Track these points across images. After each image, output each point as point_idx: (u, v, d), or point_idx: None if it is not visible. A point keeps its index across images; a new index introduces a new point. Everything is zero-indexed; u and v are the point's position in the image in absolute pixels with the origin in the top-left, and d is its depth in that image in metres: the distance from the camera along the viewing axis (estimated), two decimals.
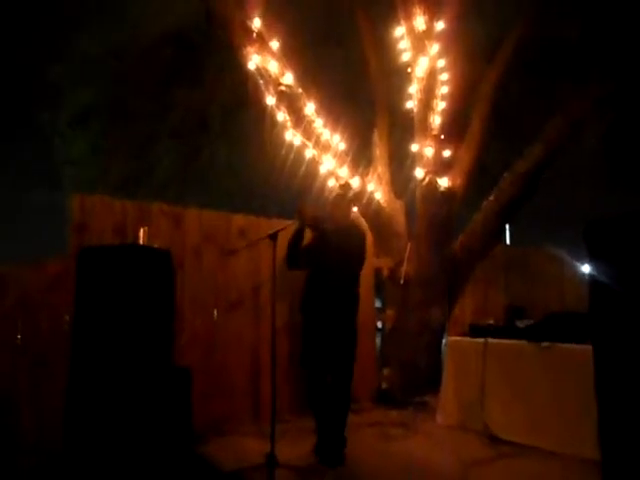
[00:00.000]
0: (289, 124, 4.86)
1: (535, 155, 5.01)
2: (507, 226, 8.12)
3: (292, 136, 4.90)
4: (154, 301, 3.08)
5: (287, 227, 3.64)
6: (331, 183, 5.06)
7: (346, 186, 4.96)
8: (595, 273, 2.38)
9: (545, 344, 3.82)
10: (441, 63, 5.01)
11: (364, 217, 5.22)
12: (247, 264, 4.51)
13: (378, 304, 5.60)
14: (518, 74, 5.71)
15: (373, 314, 5.33)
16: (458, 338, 4.50)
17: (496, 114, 5.37)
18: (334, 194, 4.03)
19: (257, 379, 4.46)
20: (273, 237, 3.48)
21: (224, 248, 4.34)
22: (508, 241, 8.68)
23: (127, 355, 2.92)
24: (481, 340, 4.20)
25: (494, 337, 4.17)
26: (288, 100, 4.80)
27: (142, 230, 3.35)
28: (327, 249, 3.59)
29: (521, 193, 5.07)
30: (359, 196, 5.09)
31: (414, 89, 5.07)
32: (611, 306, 2.34)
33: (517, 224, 7.66)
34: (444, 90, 5.05)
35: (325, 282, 3.57)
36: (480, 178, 5.52)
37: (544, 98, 6.27)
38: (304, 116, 4.85)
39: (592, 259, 2.40)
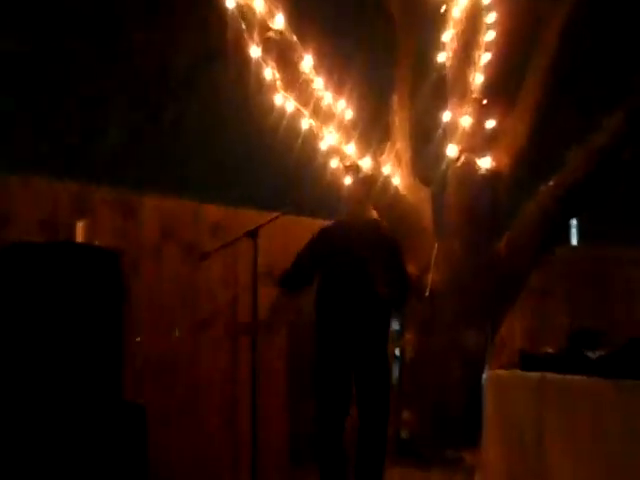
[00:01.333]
0: (279, 84, 4.92)
1: (615, 126, 5.06)
2: (574, 221, 8.21)
3: (283, 100, 4.96)
4: (96, 316, 3.13)
5: (272, 220, 3.75)
6: (334, 164, 5.15)
7: (353, 168, 5.06)
8: None
9: (628, 382, 3.79)
10: (487, 0, 5.06)
11: (377, 209, 5.32)
12: (222, 269, 4.65)
13: (394, 325, 5.70)
14: (594, 16, 5.73)
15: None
16: (504, 372, 4.58)
17: (562, 73, 5.45)
18: (352, 178, 4.15)
19: (234, 420, 4.59)
20: (252, 234, 3.60)
21: (194, 249, 4.48)
22: (575, 240, 8.77)
23: (57, 388, 2.93)
24: (536, 375, 4.18)
25: (554, 371, 4.12)
26: (278, 51, 4.86)
27: (80, 223, 3.44)
28: (344, 245, 3.71)
29: (594, 176, 5.14)
30: (371, 181, 5.07)
31: (448, 36, 5.16)
32: None
33: (589, 218, 7.73)
34: (489, 37, 5.11)
35: (343, 285, 3.71)
36: (536, 157, 5.62)
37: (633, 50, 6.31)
38: (299, 74, 4.91)
39: None
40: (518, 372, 4.32)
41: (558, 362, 4.21)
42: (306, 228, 4.35)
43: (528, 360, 4.39)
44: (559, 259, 6.10)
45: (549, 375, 4.10)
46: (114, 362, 3.25)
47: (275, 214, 3.85)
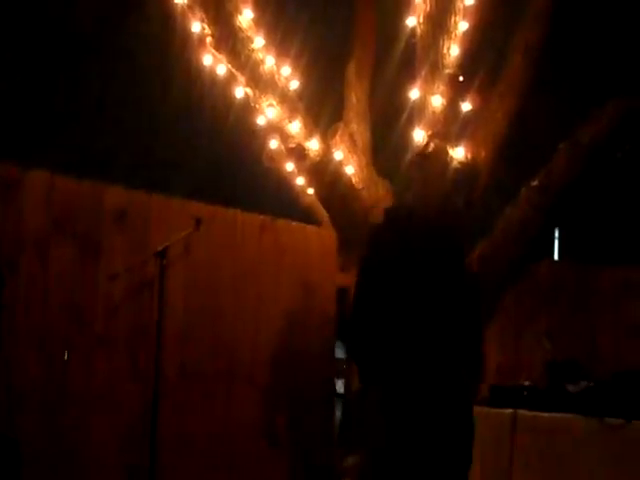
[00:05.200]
0: (209, 40, 4.87)
1: (607, 119, 5.11)
2: (556, 230, 8.31)
3: (213, 61, 4.91)
4: None
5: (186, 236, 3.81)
6: (273, 145, 5.11)
7: (298, 151, 4.97)
8: None
9: (613, 421, 3.88)
10: None
11: (325, 204, 5.24)
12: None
13: (338, 353, 5.61)
14: None
15: (331, 368, 5.35)
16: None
17: (553, 48, 5.48)
18: (416, 152, 3.76)
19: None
20: (161, 255, 3.70)
21: (91, 243, 4.37)
22: (556, 255, 8.88)
23: None
24: (508, 411, 4.28)
25: (529, 407, 4.24)
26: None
27: None
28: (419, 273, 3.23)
29: (582, 177, 5.18)
30: (318, 168, 5.12)
31: None
32: None
33: (574, 227, 7.83)
34: (468, 1, 5.08)
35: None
36: (521, 149, 5.63)
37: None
38: (234, 29, 4.85)
39: None
40: (487, 409, 4.35)
41: (533, 397, 4.26)
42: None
43: (499, 394, 4.40)
44: (540, 277, 6.17)
45: (522, 412, 4.18)
46: None
47: (193, 218, 3.92)
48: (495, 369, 6.08)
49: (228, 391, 4.77)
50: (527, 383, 4.52)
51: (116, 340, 4.46)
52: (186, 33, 4.86)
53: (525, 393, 4.38)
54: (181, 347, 4.54)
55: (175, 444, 4.45)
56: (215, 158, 6.02)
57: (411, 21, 5.17)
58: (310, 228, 5.37)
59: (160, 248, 3.88)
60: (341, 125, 5.38)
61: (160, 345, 3.74)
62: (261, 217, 4.99)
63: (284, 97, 5.03)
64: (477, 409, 4.39)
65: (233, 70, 4.91)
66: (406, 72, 5.29)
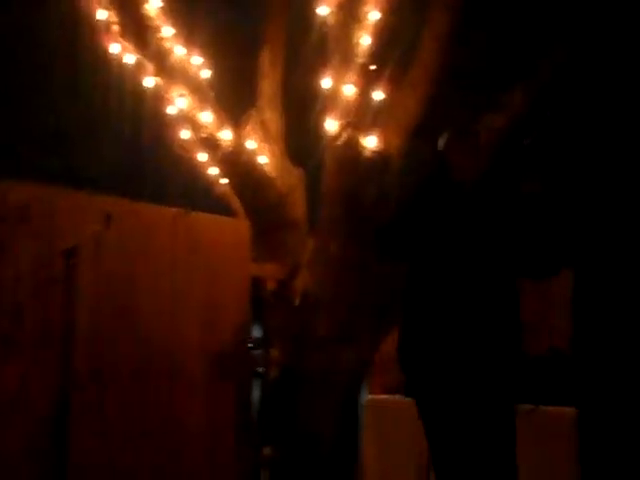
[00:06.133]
0: (116, 29, 4.81)
1: (517, 105, 5.25)
2: None
3: (120, 50, 4.84)
4: None
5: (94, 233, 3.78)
6: (185, 135, 5.05)
7: (210, 140, 4.93)
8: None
9: (526, 407, 3.93)
10: None
11: (238, 194, 5.21)
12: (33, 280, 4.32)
13: (256, 332, 5.64)
14: None
15: (246, 352, 5.33)
16: (384, 397, 4.65)
17: (464, 37, 5.53)
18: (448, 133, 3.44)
19: None
20: (69, 253, 3.73)
21: None
22: None
23: None
24: None
25: None
26: None
27: None
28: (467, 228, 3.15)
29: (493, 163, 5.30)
30: (231, 158, 5.11)
31: None
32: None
33: None
34: None
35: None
36: (434, 138, 5.67)
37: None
38: (142, 16, 4.81)
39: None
40: (399, 397, 4.40)
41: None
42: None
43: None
44: None
45: None
46: None
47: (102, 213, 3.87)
48: None
49: (144, 389, 4.68)
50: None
51: (22, 342, 4.31)
52: (92, 20, 4.78)
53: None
54: (93, 347, 4.42)
55: (88, 444, 4.34)
56: (126, 149, 5.88)
57: (323, 10, 5.16)
58: (224, 219, 5.30)
59: (68, 246, 3.77)
60: (254, 114, 5.36)
61: (70, 346, 3.62)
62: (174, 210, 4.89)
63: (195, 87, 4.99)
64: (391, 398, 4.52)
65: (141, 58, 4.86)
66: (320, 61, 5.27)
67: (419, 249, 3.24)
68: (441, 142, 3.34)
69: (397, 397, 4.51)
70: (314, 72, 5.28)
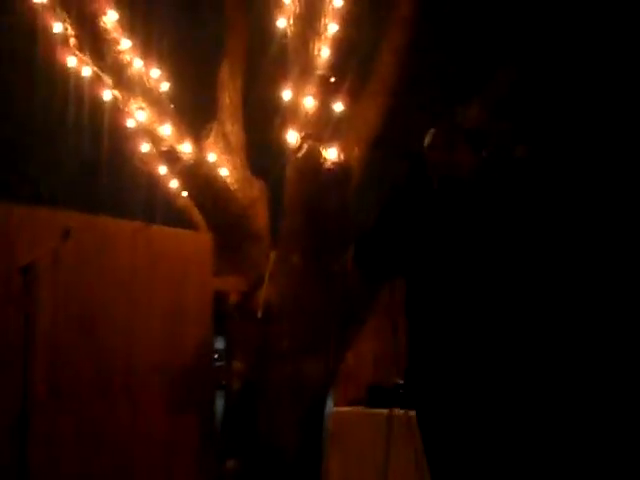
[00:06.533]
0: (72, 41, 4.77)
1: (474, 118, 5.28)
2: None
3: (78, 63, 4.80)
4: None
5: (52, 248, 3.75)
6: (145, 148, 5.03)
7: (170, 154, 4.91)
8: None
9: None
10: None
11: (199, 207, 5.19)
12: None
13: (219, 345, 5.63)
14: None
15: (209, 365, 5.31)
16: (349, 409, 4.63)
17: (423, 49, 5.55)
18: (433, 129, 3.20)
19: None
20: (26, 269, 3.67)
21: None
22: None
23: None
24: (384, 411, 4.30)
25: (405, 407, 4.18)
26: None
27: None
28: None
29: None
30: (191, 171, 5.09)
31: None
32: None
33: None
34: (338, 3, 5.10)
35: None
36: (393, 149, 5.69)
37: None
38: (99, 30, 4.77)
39: None
40: (362, 409, 4.41)
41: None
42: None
43: (376, 394, 4.46)
44: None
45: (399, 411, 4.21)
46: None
47: (61, 228, 3.81)
48: (373, 363, 6.18)
49: (103, 404, 4.62)
50: (403, 381, 4.57)
51: None
52: (48, 33, 4.72)
53: (402, 392, 4.39)
54: (52, 363, 4.36)
55: (47, 459, 4.27)
56: (85, 163, 5.83)
57: (282, 22, 5.17)
58: (185, 233, 5.28)
59: (25, 263, 3.70)
60: (215, 126, 5.34)
61: (28, 362, 3.57)
62: (133, 223, 4.85)
63: (154, 99, 4.97)
64: (355, 409, 4.51)
65: (99, 72, 4.83)
66: (280, 72, 5.27)
67: (408, 259, 2.96)
68: (427, 139, 3.09)
69: (361, 408, 4.51)
70: (274, 84, 5.28)
